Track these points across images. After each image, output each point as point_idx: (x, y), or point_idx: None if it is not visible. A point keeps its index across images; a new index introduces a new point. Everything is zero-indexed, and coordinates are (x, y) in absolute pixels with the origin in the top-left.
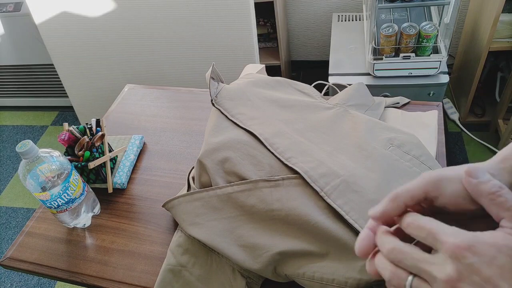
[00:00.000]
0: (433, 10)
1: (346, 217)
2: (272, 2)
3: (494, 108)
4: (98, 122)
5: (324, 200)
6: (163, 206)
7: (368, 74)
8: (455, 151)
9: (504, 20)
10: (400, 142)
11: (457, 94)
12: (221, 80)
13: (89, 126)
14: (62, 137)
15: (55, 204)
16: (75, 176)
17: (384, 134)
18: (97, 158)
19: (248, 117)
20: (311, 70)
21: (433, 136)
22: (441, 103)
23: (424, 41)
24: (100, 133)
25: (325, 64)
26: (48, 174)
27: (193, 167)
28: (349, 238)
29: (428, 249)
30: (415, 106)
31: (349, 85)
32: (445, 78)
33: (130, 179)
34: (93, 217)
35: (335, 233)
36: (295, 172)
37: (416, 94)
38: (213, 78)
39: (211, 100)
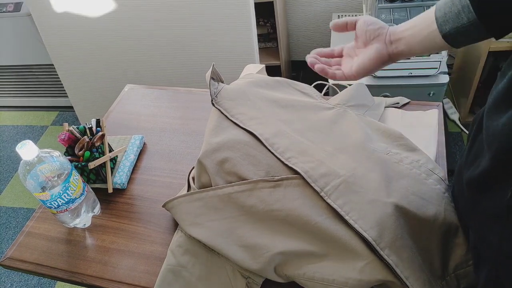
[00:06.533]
0: None
1: (346, 217)
2: (272, 2)
3: None
4: (98, 122)
5: (324, 200)
6: (163, 206)
7: None
8: (455, 151)
9: None
10: (397, 150)
11: (457, 94)
12: (221, 80)
13: (89, 126)
14: (62, 137)
15: (55, 204)
16: (75, 176)
17: (381, 142)
18: (97, 158)
19: (248, 117)
20: (311, 70)
21: (433, 136)
22: (441, 103)
23: None
24: (100, 133)
25: None
26: (48, 174)
27: (193, 167)
28: (349, 239)
29: None
30: (415, 106)
31: (349, 85)
32: (445, 78)
33: (130, 179)
34: (93, 217)
35: (335, 234)
36: (295, 172)
37: (416, 94)
38: (213, 78)
39: (211, 100)
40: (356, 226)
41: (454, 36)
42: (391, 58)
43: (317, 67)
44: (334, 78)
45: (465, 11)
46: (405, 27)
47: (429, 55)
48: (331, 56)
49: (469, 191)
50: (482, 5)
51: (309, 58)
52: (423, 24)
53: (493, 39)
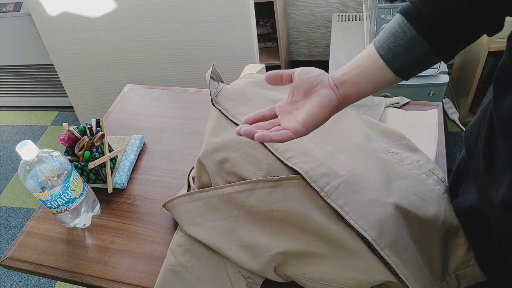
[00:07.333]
0: None
1: (346, 217)
2: (272, 2)
3: None
4: (98, 122)
5: (324, 201)
6: (163, 206)
7: None
8: (455, 151)
9: None
10: (398, 150)
11: (457, 94)
12: (221, 80)
13: (89, 126)
14: (62, 137)
15: (55, 204)
16: (75, 176)
17: (381, 142)
18: (97, 158)
19: None
20: None
21: (433, 136)
22: (441, 103)
23: None
24: (100, 133)
25: (325, 64)
26: (48, 174)
27: (193, 167)
28: (349, 239)
29: None
30: (415, 106)
31: None
32: (445, 78)
33: (130, 179)
34: (93, 217)
35: (335, 234)
36: (295, 172)
37: (416, 94)
38: (213, 78)
39: (211, 100)
40: (356, 226)
41: (406, 69)
42: (340, 103)
43: (257, 136)
44: (280, 140)
45: (413, 42)
46: (346, 70)
47: None
48: (262, 119)
49: (504, 210)
50: (434, 34)
51: (242, 130)
52: (367, 63)
53: (492, 39)
